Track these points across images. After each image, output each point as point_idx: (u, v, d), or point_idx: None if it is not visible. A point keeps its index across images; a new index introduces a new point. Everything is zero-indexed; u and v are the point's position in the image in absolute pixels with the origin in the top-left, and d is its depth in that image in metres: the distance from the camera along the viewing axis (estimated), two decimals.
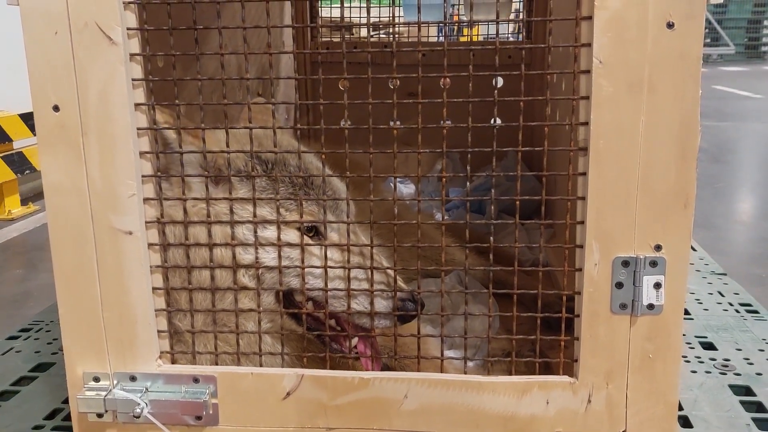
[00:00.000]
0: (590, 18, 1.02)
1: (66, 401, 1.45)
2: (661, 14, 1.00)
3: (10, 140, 5.36)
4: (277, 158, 1.26)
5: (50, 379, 1.60)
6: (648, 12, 1.01)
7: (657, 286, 1.07)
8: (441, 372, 1.18)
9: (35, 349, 1.76)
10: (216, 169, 1.22)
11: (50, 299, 2.03)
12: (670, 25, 1.01)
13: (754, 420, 1.35)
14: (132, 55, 1.10)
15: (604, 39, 1.02)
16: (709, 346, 1.70)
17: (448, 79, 1.08)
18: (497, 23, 1.07)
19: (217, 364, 1.23)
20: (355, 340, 1.30)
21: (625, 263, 1.07)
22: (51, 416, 1.43)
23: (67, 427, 1.36)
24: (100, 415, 1.17)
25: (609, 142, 1.04)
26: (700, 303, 1.97)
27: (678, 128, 1.03)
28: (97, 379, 1.18)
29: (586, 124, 1.05)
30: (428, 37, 3.23)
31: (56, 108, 1.10)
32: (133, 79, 1.10)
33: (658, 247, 1.07)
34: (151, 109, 1.13)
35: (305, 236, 1.24)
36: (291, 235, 1.24)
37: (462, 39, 5.13)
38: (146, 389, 1.18)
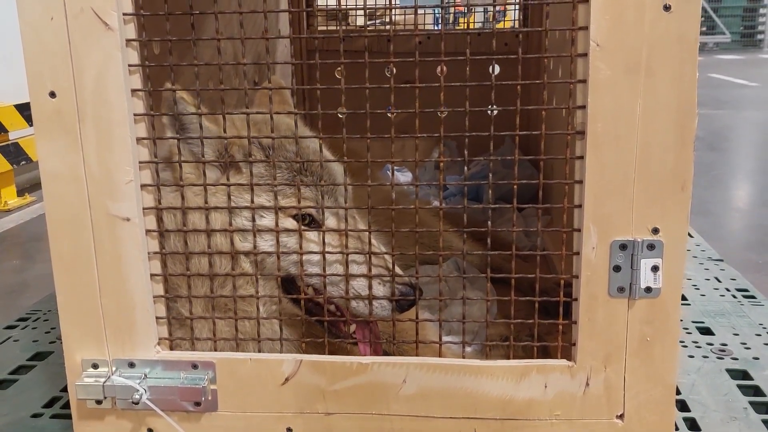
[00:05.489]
0: (587, 1, 1.02)
1: (64, 389, 1.46)
2: None
3: (6, 131, 5.33)
4: (276, 143, 1.25)
5: (48, 368, 1.60)
6: None
7: (654, 269, 1.07)
8: (439, 357, 1.18)
9: (33, 338, 1.76)
10: (231, 155, 1.22)
11: (47, 289, 2.03)
12: (667, 8, 1.00)
13: (752, 403, 1.36)
14: (128, 40, 1.09)
15: (601, 21, 1.01)
16: (706, 331, 1.70)
17: (445, 67, 1.07)
18: (494, 7, 1.07)
19: (216, 350, 1.23)
20: (353, 326, 1.30)
21: (623, 246, 1.07)
22: (49, 404, 1.44)
23: (66, 415, 1.36)
24: (99, 402, 1.18)
25: (606, 126, 1.04)
26: (698, 289, 1.98)
27: (675, 111, 1.03)
28: (95, 366, 1.18)
29: (584, 107, 1.05)
30: (425, 25, 3.22)
31: (53, 94, 1.09)
32: (130, 65, 1.10)
33: (655, 230, 1.07)
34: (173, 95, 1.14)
35: (302, 225, 1.24)
36: (287, 223, 1.24)
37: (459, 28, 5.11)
38: (145, 376, 1.18)
